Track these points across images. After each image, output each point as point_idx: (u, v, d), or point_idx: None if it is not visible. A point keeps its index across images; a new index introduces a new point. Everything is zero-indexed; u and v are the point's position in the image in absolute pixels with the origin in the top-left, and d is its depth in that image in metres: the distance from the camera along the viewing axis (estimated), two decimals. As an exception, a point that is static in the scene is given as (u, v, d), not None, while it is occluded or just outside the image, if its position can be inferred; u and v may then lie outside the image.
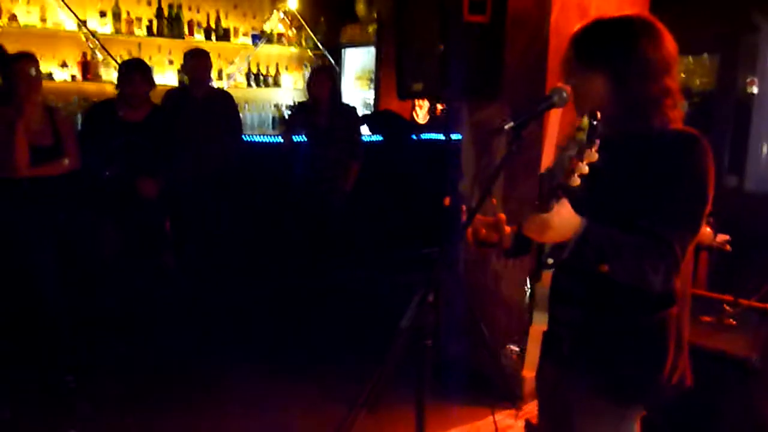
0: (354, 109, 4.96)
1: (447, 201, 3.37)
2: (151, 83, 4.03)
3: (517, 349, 1.71)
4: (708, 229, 3.29)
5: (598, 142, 1.43)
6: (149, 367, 3.77)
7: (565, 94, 1.58)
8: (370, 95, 7.38)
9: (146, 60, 5.36)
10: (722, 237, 3.32)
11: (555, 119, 3.26)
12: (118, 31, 5.87)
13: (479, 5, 3.09)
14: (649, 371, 1.62)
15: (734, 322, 2.74)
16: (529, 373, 1.72)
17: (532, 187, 3.28)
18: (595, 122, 1.45)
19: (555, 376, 1.79)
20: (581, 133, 1.46)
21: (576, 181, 1.43)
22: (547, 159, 3.27)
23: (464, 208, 1.73)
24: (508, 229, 1.84)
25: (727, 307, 2.80)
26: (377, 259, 5.33)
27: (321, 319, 4.49)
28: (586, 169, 1.42)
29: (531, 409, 3.35)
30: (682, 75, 6.13)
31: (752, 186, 4.69)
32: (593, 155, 1.42)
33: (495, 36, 3.25)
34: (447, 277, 3.42)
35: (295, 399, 3.47)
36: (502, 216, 1.81)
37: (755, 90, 5.26)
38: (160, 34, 6.08)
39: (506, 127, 1.54)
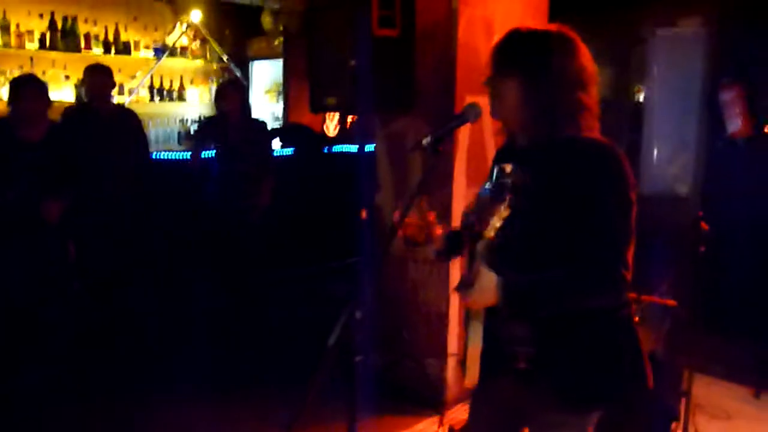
0: (264, 123, 4.90)
1: (364, 213, 3.39)
2: (47, 100, 3.82)
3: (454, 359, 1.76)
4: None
5: (509, 197, 1.48)
6: (62, 399, 3.54)
7: (478, 110, 1.63)
8: (279, 108, 7.32)
9: (40, 75, 5.11)
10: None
11: (465, 131, 3.36)
12: (6, 45, 5.53)
13: (389, 19, 3.14)
14: (610, 370, 1.61)
15: (638, 319, 2.89)
16: (471, 384, 1.70)
17: (445, 196, 3.36)
18: (505, 179, 1.49)
19: (510, 391, 1.72)
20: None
21: (491, 233, 1.52)
22: (460, 170, 3.37)
23: (397, 213, 1.72)
24: (439, 230, 1.84)
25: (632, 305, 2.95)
26: (297, 273, 5.28)
27: (245, 339, 4.38)
28: (498, 224, 1.50)
29: (454, 415, 3.41)
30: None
31: (645, 189, 4.99)
32: (504, 212, 1.50)
33: (405, 50, 3.30)
34: (366, 289, 3.44)
35: (223, 424, 3.37)
36: (432, 217, 1.81)
37: (641, 98, 5.62)
38: (53, 47, 5.78)
39: (424, 142, 1.58)
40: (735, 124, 4.54)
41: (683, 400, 2.93)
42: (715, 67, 4.72)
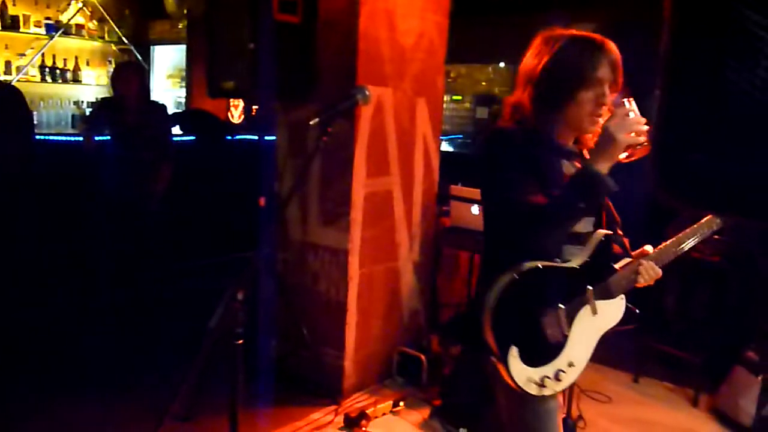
0: (164, 106, 4.73)
1: (262, 201, 3.34)
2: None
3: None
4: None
5: None
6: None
7: (367, 93, 1.64)
8: (181, 94, 7.10)
9: None
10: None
11: (366, 120, 3.37)
12: None
13: (290, 5, 3.10)
14: None
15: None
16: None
17: (344, 185, 3.37)
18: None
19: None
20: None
21: None
22: (360, 159, 3.38)
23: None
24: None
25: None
26: (193, 263, 5.14)
27: (135, 330, 4.22)
28: None
29: (350, 404, 3.43)
30: (484, 83, 6.64)
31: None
32: None
33: (307, 37, 3.27)
34: (264, 278, 3.39)
35: (108, 416, 3.22)
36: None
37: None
38: (-70, 18, 5.35)
39: (311, 122, 1.57)
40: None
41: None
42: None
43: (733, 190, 0.56)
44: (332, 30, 3.33)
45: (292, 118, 3.58)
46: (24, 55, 6.10)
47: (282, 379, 3.45)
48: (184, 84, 7.02)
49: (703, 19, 0.56)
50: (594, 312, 1.73)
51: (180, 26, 6.78)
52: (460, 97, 6.42)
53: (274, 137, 3.70)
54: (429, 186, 3.86)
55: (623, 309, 1.78)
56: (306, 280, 3.61)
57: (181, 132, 5.55)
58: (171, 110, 6.43)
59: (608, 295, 1.74)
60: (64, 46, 6.40)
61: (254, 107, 6.39)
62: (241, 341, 1.66)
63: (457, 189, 3.92)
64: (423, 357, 3.63)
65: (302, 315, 3.49)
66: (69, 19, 6.31)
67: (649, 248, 1.78)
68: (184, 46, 6.81)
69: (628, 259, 1.78)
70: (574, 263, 1.71)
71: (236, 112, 6.52)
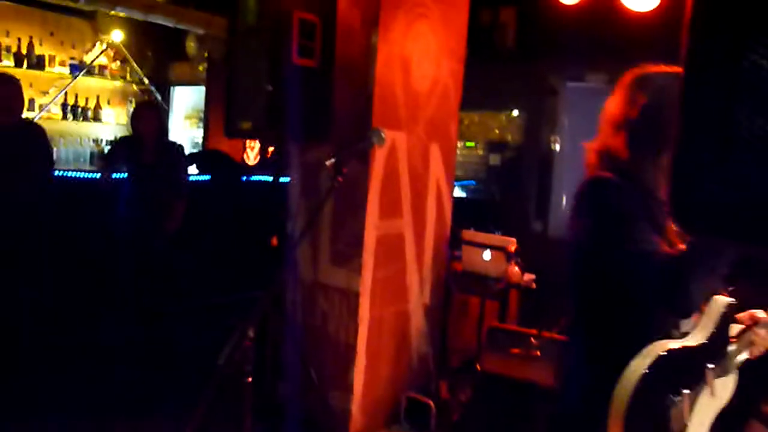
0: (181, 147, 4.81)
1: (275, 241, 3.36)
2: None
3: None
4: (516, 269, 3.59)
5: None
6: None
7: (383, 135, 1.67)
8: (198, 134, 7.22)
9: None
10: (529, 276, 3.63)
11: (379, 162, 3.41)
12: None
13: (309, 49, 3.17)
14: None
15: (539, 353, 2.98)
16: None
17: (357, 227, 3.38)
18: None
19: None
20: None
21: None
22: (373, 201, 3.40)
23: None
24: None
25: (533, 340, 3.04)
26: (204, 303, 5.13)
27: (142, 368, 4.20)
28: None
29: (356, 448, 3.37)
30: (497, 131, 6.71)
31: (553, 231, 5.19)
32: None
33: (324, 80, 3.33)
34: (275, 318, 3.38)
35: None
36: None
37: (557, 147, 5.90)
38: (-41, 56, 5.52)
39: (327, 162, 1.59)
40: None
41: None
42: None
43: (746, 219, 0.57)
44: (349, 74, 3.39)
45: (307, 159, 3.62)
46: (47, 93, 6.25)
47: (289, 421, 3.40)
48: (201, 124, 7.15)
49: (716, 62, 0.58)
50: (713, 393, 1.56)
51: (200, 68, 6.94)
52: (473, 144, 6.48)
53: (288, 178, 3.74)
54: (441, 230, 3.87)
55: (735, 384, 1.61)
56: (315, 321, 3.59)
57: (197, 171, 5.63)
58: (188, 150, 6.54)
59: (725, 371, 1.58)
60: (87, 85, 6.56)
61: (270, 148, 6.47)
62: (249, 380, 1.64)
63: (470, 234, 3.92)
64: (431, 402, 3.58)
65: (311, 356, 3.47)
66: (93, 60, 6.48)
67: (759, 313, 1.61)
68: (203, 88, 6.96)
69: (737, 326, 1.61)
70: (696, 338, 1.54)
71: (252, 153, 6.61)
